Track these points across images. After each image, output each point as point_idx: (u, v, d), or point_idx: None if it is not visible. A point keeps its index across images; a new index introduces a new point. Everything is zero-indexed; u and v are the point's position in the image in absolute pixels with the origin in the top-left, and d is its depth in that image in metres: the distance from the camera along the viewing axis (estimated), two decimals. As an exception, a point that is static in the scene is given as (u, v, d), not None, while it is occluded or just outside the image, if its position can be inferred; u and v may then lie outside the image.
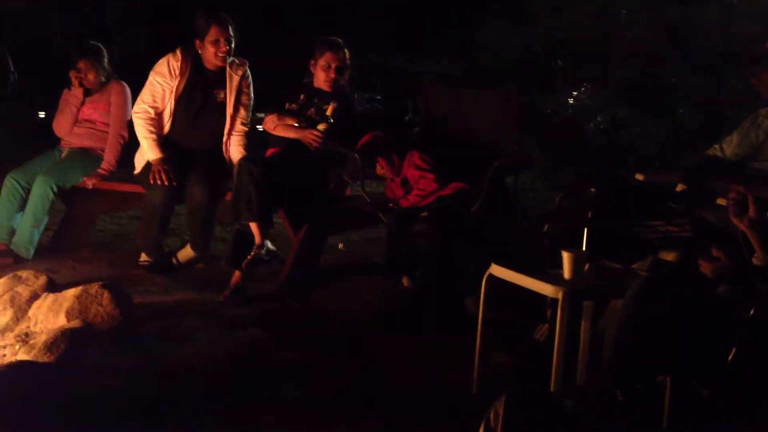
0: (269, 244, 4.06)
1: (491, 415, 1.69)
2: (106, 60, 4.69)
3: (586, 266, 2.62)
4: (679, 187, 3.25)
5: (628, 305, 2.04)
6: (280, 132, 4.24)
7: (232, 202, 3.94)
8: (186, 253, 4.42)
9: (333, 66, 4.26)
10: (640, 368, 1.99)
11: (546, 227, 3.07)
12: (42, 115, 5.65)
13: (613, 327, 2.10)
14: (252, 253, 3.94)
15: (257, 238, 3.96)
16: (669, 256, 2.93)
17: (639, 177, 3.61)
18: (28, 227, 4.36)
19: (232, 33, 4.25)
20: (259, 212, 3.89)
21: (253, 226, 3.95)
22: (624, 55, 5.25)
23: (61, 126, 4.68)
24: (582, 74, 5.42)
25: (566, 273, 2.59)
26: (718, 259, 2.04)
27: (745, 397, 1.75)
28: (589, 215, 2.74)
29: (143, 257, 4.40)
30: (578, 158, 5.32)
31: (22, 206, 4.39)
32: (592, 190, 2.78)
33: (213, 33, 4.20)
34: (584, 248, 2.70)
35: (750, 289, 2.04)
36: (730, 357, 1.85)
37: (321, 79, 4.29)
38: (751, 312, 1.95)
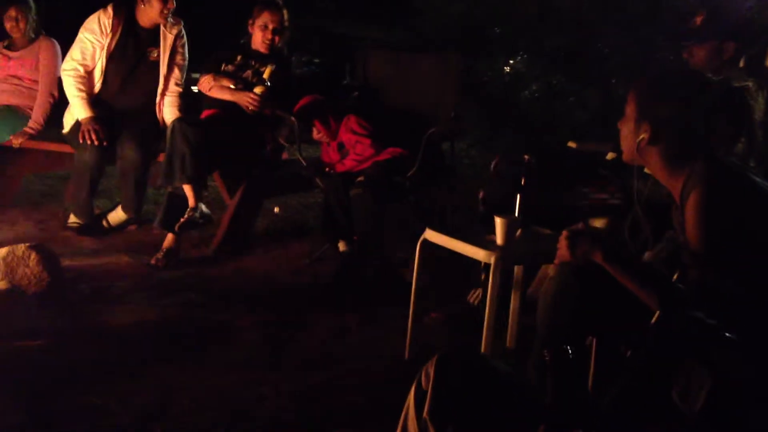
0: (203, 207, 4.01)
1: (422, 376, 1.71)
2: (33, 12, 4.53)
3: (519, 232, 2.67)
4: (610, 156, 3.32)
5: (560, 269, 2.08)
6: (216, 94, 4.17)
7: (166, 163, 3.87)
8: (117, 215, 4.33)
9: (270, 27, 4.19)
10: (569, 330, 2.04)
11: (481, 193, 3.11)
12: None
13: (544, 290, 2.14)
14: (185, 216, 3.89)
15: (191, 201, 3.90)
16: (598, 223, 3.00)
17: (571, 145, 3.68)
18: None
19: None
20: (193, 174, 3.83)
21: (187, 189, 3.89)
22: (559, 24, 5.30)
23: None
24: (519, 42, 5.47)
25: (499, 239, 2.63)
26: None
27: (667, 359, 1.81)
28: (522, 182, 2.78)
29: (72, 219, 4.30)
30: (513, 126, 5.38)
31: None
32: (526, 157, 2.81)
33: None
34: (517, 214, 2.75)
35: (675, 256, 2.11)
36: (653, 320, 1.91)
37: (258, 40, 4.22)
38: (675, 277, 2.02)
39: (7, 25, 4.49)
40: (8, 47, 4.56)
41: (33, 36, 4.52)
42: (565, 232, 2.03)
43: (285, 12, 4.23)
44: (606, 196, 3.01)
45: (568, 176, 3.15)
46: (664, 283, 1.92)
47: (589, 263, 1.99)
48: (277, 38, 4.22)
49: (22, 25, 4.46)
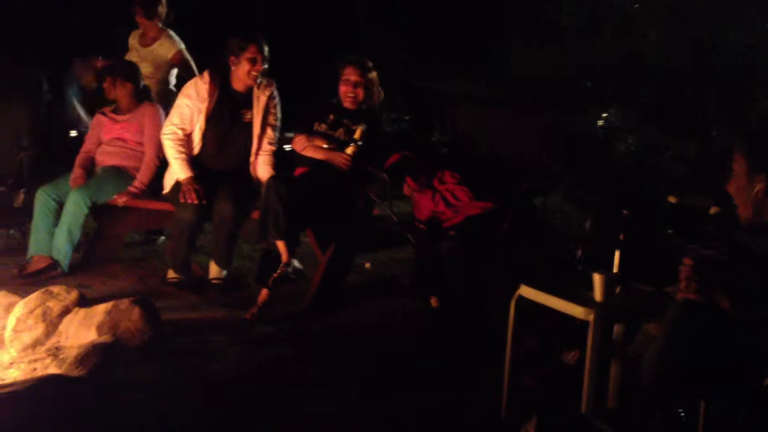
0: (296, 263, 4.07)
1: (523, 437, 1.67)
2: (140, 80, 4.76)
3: (618, 289, 2.60)
4: (713, 210, 3.21)
5: (668, 328, 2.02)
6: (310, 153, 4.26)
7: (260, 220, 3.96)
8: (211, 269, 4.43)
9: (351, 81, 4.27)
10: (680, 391, 1.96)
11: (580, 250, 3.05)
12: (74, 133, 5.69)
13: (651, 350, 2.08)
14: (279, 271, 3.95)
15: (284, 257, 3.96)
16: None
17: (671, 199, 3.57)
18: (63, 242, 4.37)
19: (267, 54, 4.28)
20: (286, 231, 3.90)
21: (280, 245, 3.96)
22: (652, 75, 5.23)
23: None
24: (611, 95, 5.41)
25: (597, 295, 2.57)
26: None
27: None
28: (621, 238, 2.72)
29: (171, 274, 4.42)
30: (608, 180, 5.29)
31: (56, 221, 4.42)
32: (625, 212, 2.76)
33: (251, 50, 4.23)
34: (616, 270, 2.68)
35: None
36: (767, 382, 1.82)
37: (341, 94, 4.30)
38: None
39: (105, 86, 4.75)
40: (115, 111, 4.78)
41: (138, 101, 4.74)
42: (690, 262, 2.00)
43: (372, 71, 4.31)
44: (711, 252, 2.91)
45: (669, 232, 3.07)
46: None
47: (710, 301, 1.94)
48: (359, 92, 4.28)
49: (121, 94, 4.70)
